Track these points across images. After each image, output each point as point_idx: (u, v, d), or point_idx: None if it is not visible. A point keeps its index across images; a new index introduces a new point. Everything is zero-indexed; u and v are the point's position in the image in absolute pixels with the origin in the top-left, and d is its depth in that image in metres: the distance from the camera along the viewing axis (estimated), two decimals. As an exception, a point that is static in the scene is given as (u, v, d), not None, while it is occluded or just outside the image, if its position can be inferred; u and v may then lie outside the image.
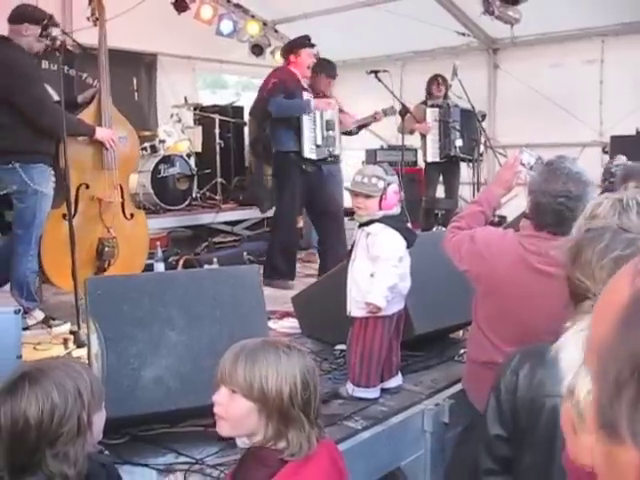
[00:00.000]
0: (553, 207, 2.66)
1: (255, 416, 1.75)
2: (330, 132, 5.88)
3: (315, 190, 6.01)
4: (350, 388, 3.28)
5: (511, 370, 1.91)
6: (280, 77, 6.00)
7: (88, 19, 5.09)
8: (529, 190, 2.83)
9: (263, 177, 8.26)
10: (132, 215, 5.17)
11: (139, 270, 5.17)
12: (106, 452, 1.95)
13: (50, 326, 4.62)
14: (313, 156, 5.83)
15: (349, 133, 6.55)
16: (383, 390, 3.32)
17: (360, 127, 6.58)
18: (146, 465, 2.61)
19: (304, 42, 5.97)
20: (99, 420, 1.73)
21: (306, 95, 5.84)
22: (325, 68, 6.20)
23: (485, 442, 1.96)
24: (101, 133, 4.81)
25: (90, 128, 4.77)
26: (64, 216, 4.55)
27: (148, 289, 2.89)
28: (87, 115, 4.91)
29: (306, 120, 5.78)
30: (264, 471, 1.75)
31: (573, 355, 1.15)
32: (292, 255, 6.16)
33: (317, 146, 5.84)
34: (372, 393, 3.26)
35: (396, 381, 3.40)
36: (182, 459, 2.68)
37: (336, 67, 6.38)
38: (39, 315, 4.69)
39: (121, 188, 5.05)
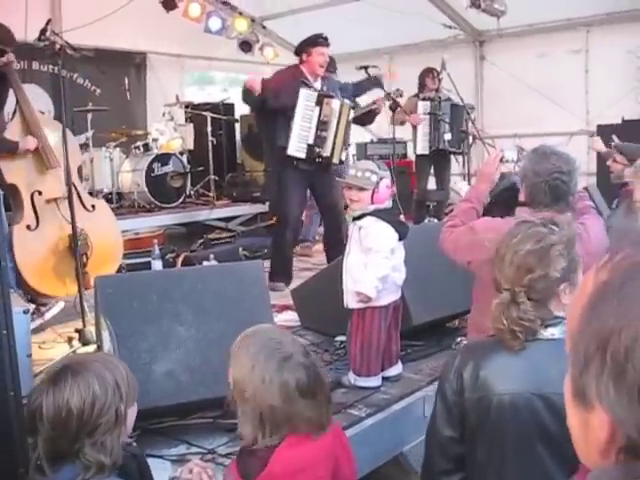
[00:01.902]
0: (550, 184, 2.78)
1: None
2: (323, 133, 5.73)
3: (315, 186, 5.96)
4: (352, 378, 3.38)
5: (455, 371, 1.96)
6: (279, 76, 5.99)
7: None
8: (522, 177, 2.94)
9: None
10: (93, 206, 5.15)
11: (119, 258, 5.27)
12: (134, 444, 2.04)
13: (42, 313, 4.70)
14: (300, 155, 5.69)
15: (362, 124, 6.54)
16: (384, 378, 3.43)
17: (366, 118, 6.52)
18: (160, 457, 2.71)
19: (316, 40, 5.80)
20: (132, 413, 1.82)
21: (305, 90, 5.70)
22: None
23: (437, 443, 2.01)
24: (25, 145, 4.78)
25: (12, 144, 4.75)
26: (28, 227, 4.71)
27: (156, 286, 2.99)
28: (16, 127, 4.89)
29: (299, 117, 5.69)
30: (256, 460, 1.88)
31: None
32: (283, 255, 6.01)
33: (308, 145, 5.69)
34: (373, 382, 3.37)
35: (396, 369, 3.51)
36: (194, 449, 2.78)
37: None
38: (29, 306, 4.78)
39: (73, 184, 5.06)
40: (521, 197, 2.98)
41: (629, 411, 0.64)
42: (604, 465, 0.70)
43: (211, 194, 8.28)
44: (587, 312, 0.70)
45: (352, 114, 6.07)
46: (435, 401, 2.06)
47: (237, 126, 9.72)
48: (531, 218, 2.22)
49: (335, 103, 5.77)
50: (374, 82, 6.33)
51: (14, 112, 5.00)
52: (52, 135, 4.99)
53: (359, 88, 6.34)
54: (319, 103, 5.71)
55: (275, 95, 5.71)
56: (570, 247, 1.95)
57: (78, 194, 5.04)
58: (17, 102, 4.86)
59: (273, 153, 6.05)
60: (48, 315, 4.71)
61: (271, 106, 5.77)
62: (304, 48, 5.84)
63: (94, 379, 1.70)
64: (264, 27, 10.34)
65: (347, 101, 5.94)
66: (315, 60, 5.76)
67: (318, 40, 5.79)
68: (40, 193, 4.82)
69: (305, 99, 5.69)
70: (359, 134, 9.47)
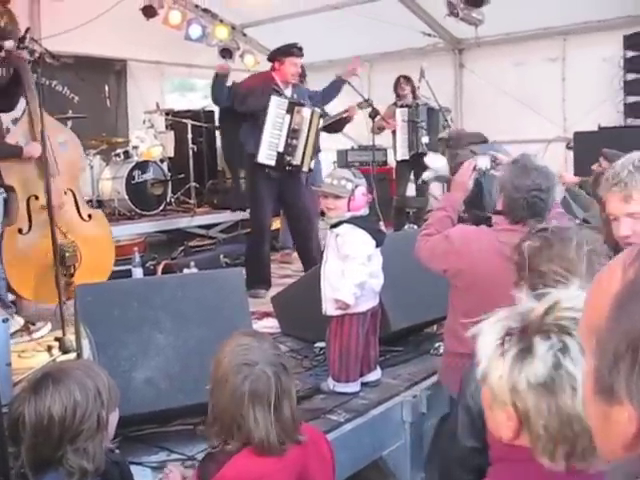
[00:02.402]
0: (528, 201, 2.82)
1: None
2: (294, 141, 5.75)
3: (284, 194, 5.96)
4: (331, 384, 3.42)
5: (476, 380, 1.98)
6: (250, 81, 6.04)
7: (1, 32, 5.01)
8: (501, 187, 2.99)
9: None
10: (90, 216, 5.18)
11: (108, 271, 5.23)
12: (117, 451, 2.07)
13: (31, 332, 4.69)
14: (270, 162, 5.69)
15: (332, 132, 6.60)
16: (363, 384, 3.47)
17: (336, 126, 6.56)
18: (140, 464, 2.73)
19: (290, 50, 5.84)
20: (114, 419, 1.85)
21: (276, 97, 5.72)
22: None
23: (458, 455, 2.01)
24: (29, 151, 4.73)
25: (15, 149, 4.73)
26: (20, 231, 4.72)
27: (136, 294, 3.01)
28: (21, 130, 4.87)
29: (270, 124, 5.71)
30: (214, 463, 1.93)
31: (488, 343, 1.29)
32: (261, 262, 6.00)
33: (278, 153, 5.70)
34: (352, 387, 3.40)
35: (375, 375, 3.55)
36: (174, 456, 2.80)
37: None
38: (20, 320, 4.77)
39: (72, 192, 5.07)
40: (499, 206, 3.03)
41: None
42: (626, 456, 0.73)
43: (192, 201, 8.28)
44: (616, 311, 0.73)
45: (322, 122, 6.10)
46: (455, 413, 2.06)
47: (218, 133, 9.73)
48: None
49: (306, 111, 5.80)
50: (338, 84, 6.33)
51: (23, 112, 4.97)
52: (57, 140, 4.99)
53: (327, 95, 6.35)
54: (290, 111, 5.74)
55: (242, 99, 5.75)
56: None
57: (76, 203, 5.07)
58: (27, 103, 4.86)
59: (242, 160, 6.11)
60: (36, 335, 4.70)
61: (236, 109, 5.81)
62: (277, 56, 5.88)
63: (75, 386, 1.72)
64: (245, 34, 10.36)
65: (317, 109, 5.97)
66: (287, 69, 5.81)
67: (292, 50, 5.83)
68: (37, 198, 4.81)
69: (276, 106, 5.72)
70: (340, 141, 9.52)
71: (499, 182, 3.03)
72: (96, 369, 1.87)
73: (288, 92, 5.93)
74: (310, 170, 5.95)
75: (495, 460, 1.37)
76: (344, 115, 6.35)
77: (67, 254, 4.82)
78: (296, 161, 5.78)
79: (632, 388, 0.69)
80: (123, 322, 2.94)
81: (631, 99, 7.87)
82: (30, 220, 4.77)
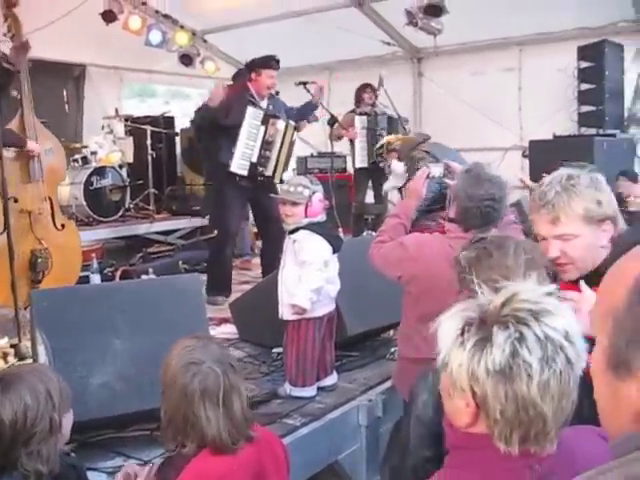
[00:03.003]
0: (481, 210, 2.88)
1: None
2: (267, 152, 5.81)
3: (255, 201, 6.02)
4: (288, 388, 3.45)
5: (428, 389, 2.01)
6: (228, 94, 5.92)
7: (5, 35, 5.06)
8: (454, 196, 3.04)
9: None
10: (63, 226, 5.22)
11: (74, 280, 5.21)
12: (72, 454, 2.07)
13: None
14: (242, 172, 5.74)
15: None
16: (319, 388, 3.52)
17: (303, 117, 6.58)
18: (96, 469, 2.72)
19: (268, 63, 5.83)
20: (68, 421, 1.86)
21: (252, 109, 5.75)
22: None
23: (412, 465, 2.04)
24: (32, 145, 4.87)
25: (21, 139, 4.81)
26: None
27: (94, 299, 3.01)
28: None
29: (244, 134, 5.74)
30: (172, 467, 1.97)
31: (449, 333, 1.36)
32: (223, 268, 6.03)
33: (251, 163, 5.76)
34: (309, 392, 3.44)
35: (331, 379, 3.60)
36: (131, 462, 2.79)
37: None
38: None
39: (50, 200, 5.09)
40: (451, 214, 3.09)
41: None
42: (633, 429, 0.81)
43: (151, 208, 8.26)
44: (634, 295, 0.82)
45: (296, 136, 6.16)
46: (405, 422, 2.10)
47: (177, 139, 9.71)
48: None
49: (280, 124, 5.86)
50: (312, 107, 6.44)
51: (15, 114, 5.00)
52: (44, 147, 5.04)
53: (302, 113, 6.41)
54: (265, 122, 5.79)
55: (225, 114, 5.74)
56: None
57: (53, 211, 5.07)
58: (21, 104, 4.84)
59: (215, 168, 6.06)
60: None
61: (221, 124, 5.78)
62: (255, 67, 5.86)
63: (25, 390, 1.73)
64: (205, 41, 10.35)
65: (292, 122, 6.02)
66: (263, 81, 5.83)
67: (270, 63, 5.84)
68: (16, 201, 4.78)
69: (251, 117, 5.75)
70: (300, 148, 9.55)
71: (453, 191, 3.09)
72: (47, 372, 1.88)
73: (264, 104, 5.96)
74: (282, 181, 5.96)
75: (452, 448, 1.42)
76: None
77: (39, 260, 4.81)
78: (268, 172, 5.86)
79: None
80: (80, 328, 2.94)
81: (585, 109, 8.02)
82: (6, 222, 4.69)
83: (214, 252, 6.17)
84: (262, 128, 5.78)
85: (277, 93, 6.28)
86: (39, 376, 1.80)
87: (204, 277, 6.16)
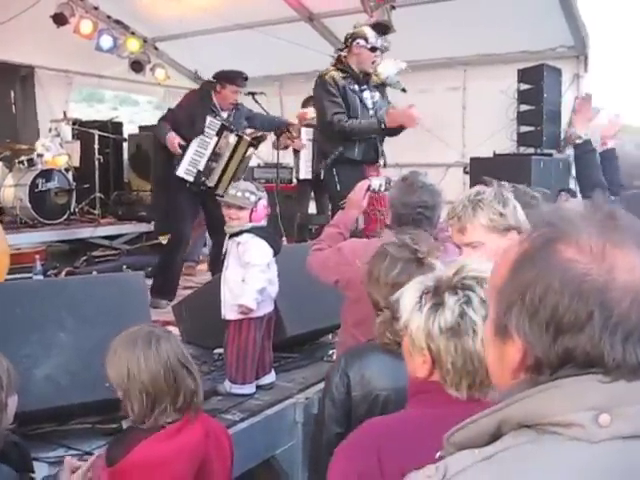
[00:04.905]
0: (413, 217, 3.03)
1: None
2: (213, 164, 5.83)
3: (206, 205, 6.01)
4: (228, 386, 3.55)
5: (340, 373, 2.22)
6: (188, 104, 6.04)
7: None
8: (390, 204, 3.19)
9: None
10: None
11: (3, 276, 5.19)
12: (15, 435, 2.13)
13: None
14: (188, 178, 5.77)
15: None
16: (258, 387, 3.62)
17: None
18: (37, 459, 2.77)
19: (234, 79, 5.88)
20: (12, 403, 1.93)
21: (210, 118, 5.79)
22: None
23: (326, 441, 2.22)
24: None
25: None
26: None
27: (40, 294, 3.09)
28: None
29: (197, 141, 5.77)
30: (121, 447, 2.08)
31: (409, 300, 1.60)
32: (172, 272, 6.07)
33: (198, 171, 5.79)
34: (248, 389, 3.55)
35: (269, 378, 3.71)
36: (72, 452, 2.86)
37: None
38: None
39: None
40: (388, 220, 3.23)
41: (539, 339, 0.91)
42: (513, 382, 0.97)
43: (96, 212, 8.26)
44: (511, 271, 0.97)
45: (251, 150, 6.19)
46: (322, 402, 2.27)
47: (125, 145, 9.71)
48: (393, 239, 2.49)
49: (232, 138, 5.88)
50: (282, 127, 6.64)
51: None
52: None
53: (268, 125, 6.52)
54: (219, 134, 5.81)
55: (189, 125, 5.77)
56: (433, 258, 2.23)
57: None
58: None
59: (169, 173, 5.99)
60: None
61: (186, 136, 5.79)
62: (221, 80, 5.90)
63: None
64: (156, 48, 10.38)
65: (247, 137, 6.05)
66: (227, 95, 5.88)
67: (236, 79, 5.88)
68: None
69: (208, 126, 5.79)
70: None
71: (389, 199, 3.23)
72: None
73: (224, 113, 5.99)
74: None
75: (411, 395, 1.67)
76: (257, 135, 6.47)
77: None
78: (211, 183, 5.87)
79: (520, 324, 0.94)
80: (24, 321, 3.01)
81: (524, 129, 8.32)
82: None
83: (165, 256, 6.18)
84: (215, 139, 5.82)
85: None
86: None
87: (148, 281, 6.19)
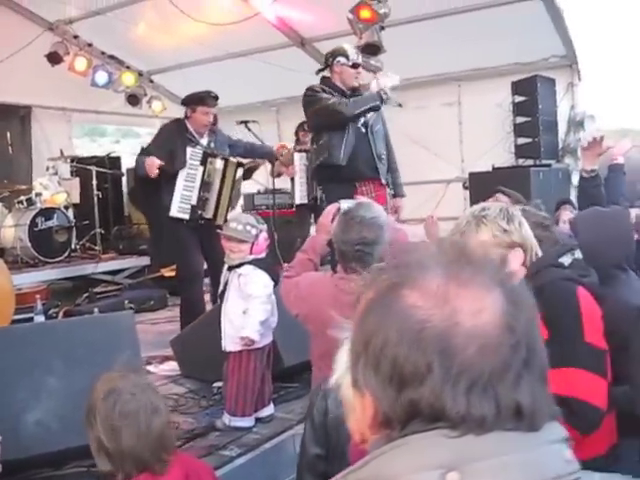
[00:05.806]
0: (353, 254, 2.95)
1: None
2: (205, 194, 5.55)
3: (204, 240, 5.59)
4: (227, 419, 3.51)
5: (321, 396, 2.19)
6: (165, 138, 5.71)
7: None
8: (333, 240, 3.12)
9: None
10: None
11: (8, 320, 5.19)
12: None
13: None
14: (184, 216, 5.47)
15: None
16: (256, 419, 3.57)
17: (245, 174, 6.47)
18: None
19: (202, 99, 5.56)
20: None
21: (190, 149, 5.49)
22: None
23: (306, 461, 2.21)
24: None
25: None
26: None
27: (29, 339, 3.06)
28: None
29: (183, 176, 5.48)
30: None
31: (342, 357, 1.48)
32: (198, 310, 5.48)
33: (192, 206, 5.49)
34: (247, 422, 3.51)
35: (268, 410, 3.67)
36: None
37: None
38: None
39: None
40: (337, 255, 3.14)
41: (384, 393, 0.84)
42: (372, 437, 0.90)
43: (97, 247, 8.27)
44: (359, 321, 0.91)
45: (240, 172, 5.96)
46: (305, 424, 2.25)
47: (124, 179, 9.75)
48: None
49: (219, 163, 5.61)
50: (269, 155, 6.50)
51: None
52: None
53: (251, 152, 6.28)
54: (203, 163, 5.53)
55: (171, 164, 5.46)
56: None
57: None
58: None
59: (162, 211, 5.63)
60: None
61: (168, 172, 5.47)
62: (189, 104, 5.63)
63: None
64: (152, 81, 10.46)
65: (233, 159, 5.79)
66: (199, 118, 5.56)
67: (205, 99, 5.57)
68: None
69: (190, 158, 5.49)
70: (247, 185, 9.63)
71: (332, 235, 3.13)
72: None
73: (204, 141, 5.71)
74: (226, 221, 5.74)
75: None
76: (251, 165, 6.41)
77: None
78: (208, 215, 5.60)
79: (366, 377, 0.87)
80: (14, 367, 2.99)
81: (521, 141, 8.29)
82: None
83: (183, 294, 5.82)
84: (201, 169, 5.53)
85: (216, 122, 5.99)
86: None
87: (151, 315, 6.14)
